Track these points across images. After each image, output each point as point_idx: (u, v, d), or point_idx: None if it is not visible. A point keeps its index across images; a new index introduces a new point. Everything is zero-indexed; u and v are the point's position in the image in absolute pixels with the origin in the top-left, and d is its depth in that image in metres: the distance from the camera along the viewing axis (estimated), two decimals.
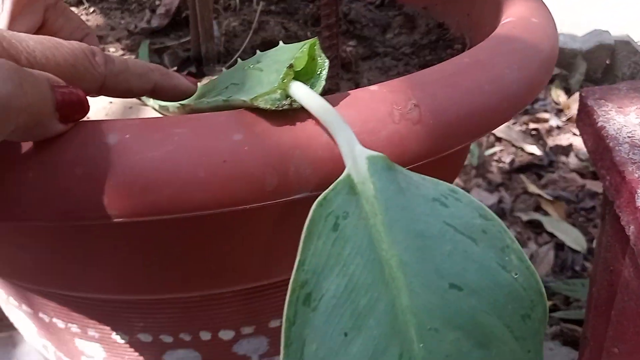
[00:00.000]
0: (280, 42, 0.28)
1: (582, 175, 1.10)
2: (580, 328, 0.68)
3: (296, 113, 0.23)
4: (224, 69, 0.45)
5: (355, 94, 0.25)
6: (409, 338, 0.19)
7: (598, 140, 0.41)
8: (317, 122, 0.23)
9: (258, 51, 0.29)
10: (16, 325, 0.45)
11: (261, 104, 0.22)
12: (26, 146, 0.21)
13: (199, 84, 0.40)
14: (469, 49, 0.48)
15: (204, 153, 0.21)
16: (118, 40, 0.52)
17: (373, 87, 0.25)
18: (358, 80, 0.47)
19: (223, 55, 0.48)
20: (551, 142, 1.17)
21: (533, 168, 1.09)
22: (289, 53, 0.23)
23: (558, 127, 1.21)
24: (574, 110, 1.24)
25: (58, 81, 0.20)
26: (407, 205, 0.20)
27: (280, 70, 0.22)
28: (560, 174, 1.09)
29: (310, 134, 0.23)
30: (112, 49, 0.51)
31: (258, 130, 0.22)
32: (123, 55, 0.50)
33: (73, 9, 0.57)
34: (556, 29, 0.37)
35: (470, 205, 0.21)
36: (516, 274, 0.20)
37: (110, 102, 0.38)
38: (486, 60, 0.29)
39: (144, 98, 0.38)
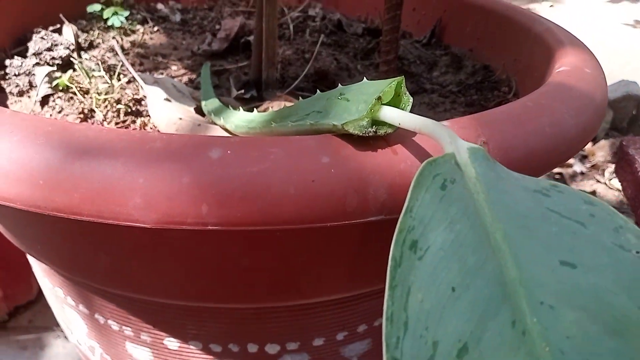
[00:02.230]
0: (341, 81, 0.30)
1: None
2: None
3: (377, 141, 0.25)
4: (280, 94, 0.47)
5: None
6: (521, 309, 0.17)
7: (639, 188, 0.43)
8: (396, 150, 0.25)
9: (315, 86, 0.31)
10: (63, 325, 0.47)
11: (350, 128, 0.24)
12: (136, 155, 0.23)
13: (268, 109, 0.42)
14: (515, 91, 0.51)
15: (295, 172, 0.23)
16: (180, 59, 0.55)
17: (445, 123, 0.27)
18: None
19: (279, 81, 0.51)
20: (574, 187, 1.17)
21: None
22: (374, 87, 0.25)
23: (582, 173, 1.22)
24: (598, 157, 1.25)
25: None
26: (508, 191, 0.20)
27: (368, 101, 0.24)
28: None
29: (389, 162, 0.25)
30: (174, 67, 0.54)
31: (343, 154, 0.24)
32: (184, 74, 0.52)
33: (138, 27, 0.61)
34: (605, 80, 0.39)
35: (573, 195, 0.20)
36: (638, 252, 0.18)
37: (180, 119, 0.40)
38: (548, 105, 0.30)
39: (213, 117, 0.40)
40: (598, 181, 1.18)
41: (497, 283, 0.18)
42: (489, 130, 0.27)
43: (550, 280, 0.18)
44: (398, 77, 0.25)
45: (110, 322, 0.38)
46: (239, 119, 0.37)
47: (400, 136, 0.25)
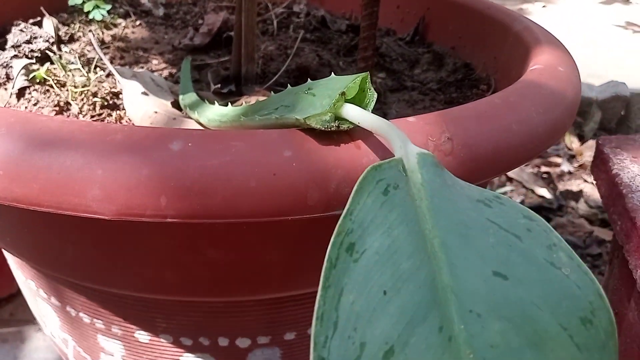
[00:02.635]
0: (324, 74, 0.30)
1: (591, 222, 1.11)
2: None
3: (341, 136, 0.25)
4: (259, 89, 0.47)
5: (394, 123, 0.27)
6: (450, 316, 0.18)
7: (612, 187, 0.43)
8: (359, 145, 0.25)
9: (290, 81, 0.31)
10: (38, 318, 0.47)
11: (312, 123, 0.24)
12: (96, 146, 0.23)
13: (242, 103, 0.42)
14: (494, 90, 0.51)
15: (256, 165, 0.23)
16: (161, 54, 0.55)
17: (411, 119, 0.27)
18: (386, 111, 0.49)
19: (259, 76, 0.51)
20: (562, 186, 1.18)
21: (542, 211, 1.10)
22: (340, 83, 0.25)
23: (569, 173, 1.23)
24: (586, 157, 1.25)
25: None
26: (451, 199, 0.21)
27: (332, 96, 0.24)
28: (569, 219, 1.10)
29: (352, 156, 0.25)
30: (154, 62, 0.53)
31: (306, 148, 0.24)
32: (165, 68, 0.52)
33: (120, 21, 0.60)
34: (579, 78, 0.40)
35: (514, 208, 0.21)
36: (567, 271, 0.19)
37: (155, 112, 0.40)
38: (516, 102, 0.31)
39: (188, 111, 0.40)
40: (585, 181, 1.19)
41: (429, 289, 0.18)
42: (454, 126, 0.27)
43: (481, 289, 0.18)
44: (363, 73, 0.25)
45: (81, 314, 0.38)
46: (213, 113, 0.37)
47: (364, 131, 0.25)
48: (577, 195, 1.16)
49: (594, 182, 0.45)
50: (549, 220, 1.07)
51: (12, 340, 0.73)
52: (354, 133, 0.25)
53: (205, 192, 0.23)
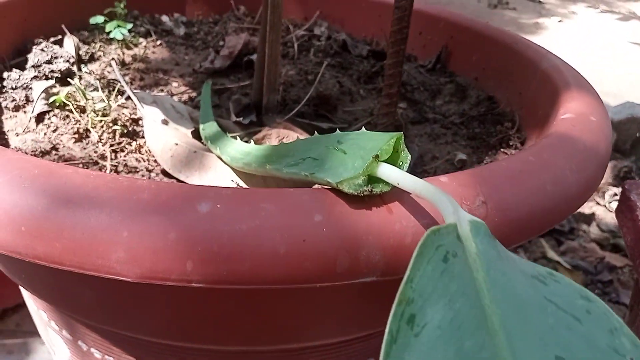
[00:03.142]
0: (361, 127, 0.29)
1: (602, 247, 1.09)
2: None
3: (372, 199, 0.24)
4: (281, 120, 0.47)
5: (430, 181, 0.26)
6: None
7: (639, 237, 0.42)
8: (391, 209, 0.24)
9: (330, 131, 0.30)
10: (47, 343, 0.46)
11: (345, 188, 0.23)
12: (122, 206, 0.22)
13: (266, 136, 0.41)
14: (518, 127, 0.50)
15: (286, 231, 0.22)
16: (181, 76, 0.54)
17: (443, 178, 0.27)
18: (407, 144, 0.48)
19: (280, 104, 0.50)
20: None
21: (553, 233, 1.08)
22: (373, 142, 0.24)
23: None
24: None
25: None
26: (506, 272, 0.20)
27: (365, 158, 0.24)
28: (581, 243, 1.09)
29: (383, 221, 0.24)
30: (174, 84, 0.53)
31: (337, 212, 0.23)
32: (185, 92, 0.52)
33: (141, 40, 0.60)
34: (611, 127, 0.39)
35: (570, 287, 0.20)
36: (631, 359, 0.18)
37: (176, 144, 0.39)
38: (550, 160, 0.30)
39: (209, 144, 0.40)
40: (598, 203, 1.18)
41: None
42: (488, 188, 0.26)
43: None
44: (397, 133, 0.24)
45: (93, 350, 0.37)
46: (236, 150, 0.37)
47: (396, 194, 0.25)
48: (589, 218, 1.14)
49: (620, 229, 0.44)
50: (560, 243, 1.06)
51: (17, 352, 0.73)
52: (386, 196, 0.25)
53: (233, 258, 0.22)
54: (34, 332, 0.74)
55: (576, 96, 0.40)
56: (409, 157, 0.25)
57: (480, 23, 0.62)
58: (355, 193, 0.23)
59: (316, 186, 0.26)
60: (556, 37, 1.70)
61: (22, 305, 0.76)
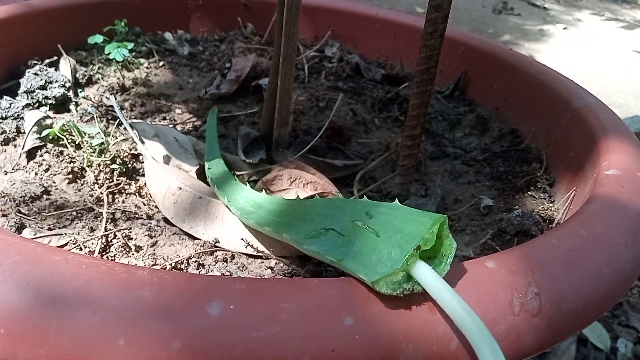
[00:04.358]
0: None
1: None
2: None
3: (412, 295, 0.21)
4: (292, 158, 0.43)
5: (473, 271, 0.22)
6: None
7: None
8: (434, 308, 0.21)
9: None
10: None
11: (382, 288, 0.20)
12: (119, 306, 0.19)
13: (277, 177, 0.38)
14: (546, 167, 0.46)
15: (312, 339, 0.19)
16: (185, 102, 0.51)
17: (490, 263, 0.23)
18: (427, 184, 0.45)
19: (290, 135, 0.47)
20: None
21: None
22: (410, 224, 0.21)
23: None
24: None
25: None
26: None
27: (403, 247, 0.20)
28: None
29: (426, 324, 0.20)
30: (177, 111, 0.49)
31: (370, 313, 0.20)
32: (189, 120, 0.48)
33: (142, 60, 0.56)
34: None
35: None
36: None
37: (180, 189, 0.36)
38: (603, 234, 0.26)
39: (216, 190, 0.36)
40: None
41: None
42: (540, 274, 0.23)
43: None
44: (440, 217, 0.21)
45: None
46: (245, 200, 0.33)
47: None
48: None
49: None
50: None
51: None
52: None
53: None
54: None
55: (617, 145, 0.37)
56: (455, 245, 0.21)
57: (503, 49, 0.58)
58: (394, 294, 0.20)
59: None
60: (561, 44, 1.67)
61: None
